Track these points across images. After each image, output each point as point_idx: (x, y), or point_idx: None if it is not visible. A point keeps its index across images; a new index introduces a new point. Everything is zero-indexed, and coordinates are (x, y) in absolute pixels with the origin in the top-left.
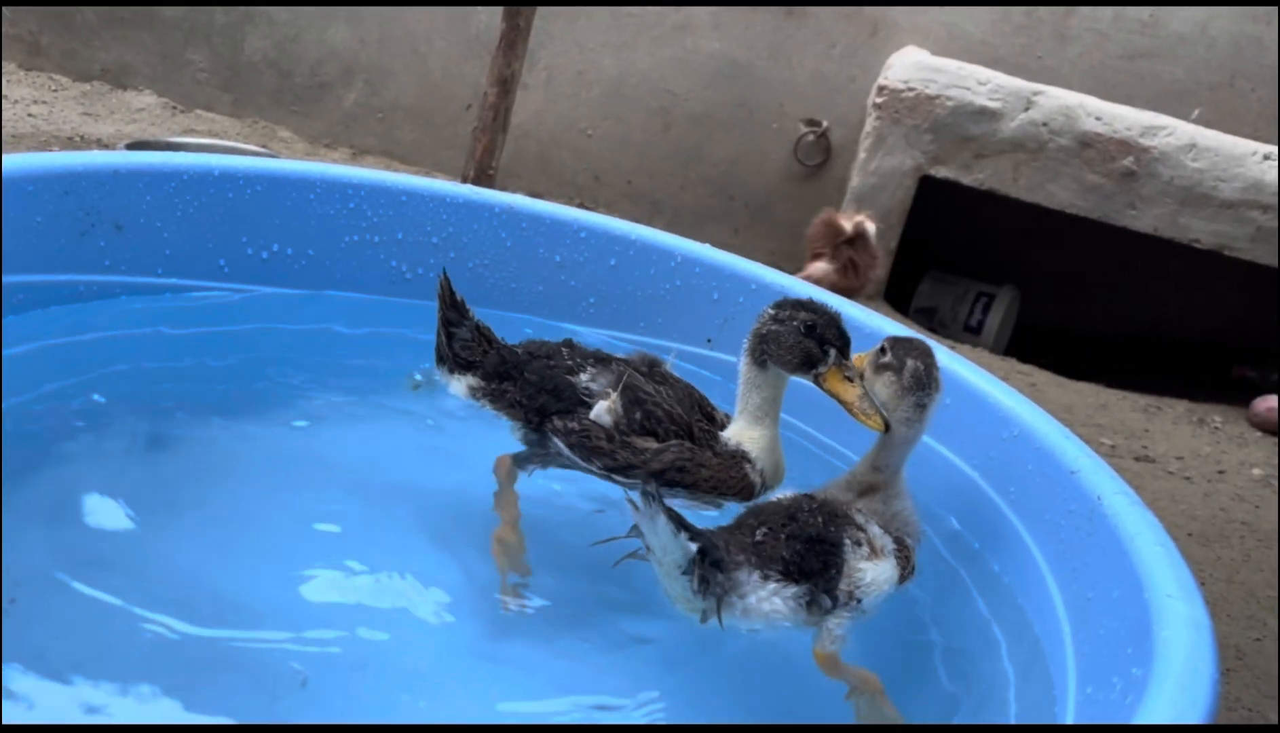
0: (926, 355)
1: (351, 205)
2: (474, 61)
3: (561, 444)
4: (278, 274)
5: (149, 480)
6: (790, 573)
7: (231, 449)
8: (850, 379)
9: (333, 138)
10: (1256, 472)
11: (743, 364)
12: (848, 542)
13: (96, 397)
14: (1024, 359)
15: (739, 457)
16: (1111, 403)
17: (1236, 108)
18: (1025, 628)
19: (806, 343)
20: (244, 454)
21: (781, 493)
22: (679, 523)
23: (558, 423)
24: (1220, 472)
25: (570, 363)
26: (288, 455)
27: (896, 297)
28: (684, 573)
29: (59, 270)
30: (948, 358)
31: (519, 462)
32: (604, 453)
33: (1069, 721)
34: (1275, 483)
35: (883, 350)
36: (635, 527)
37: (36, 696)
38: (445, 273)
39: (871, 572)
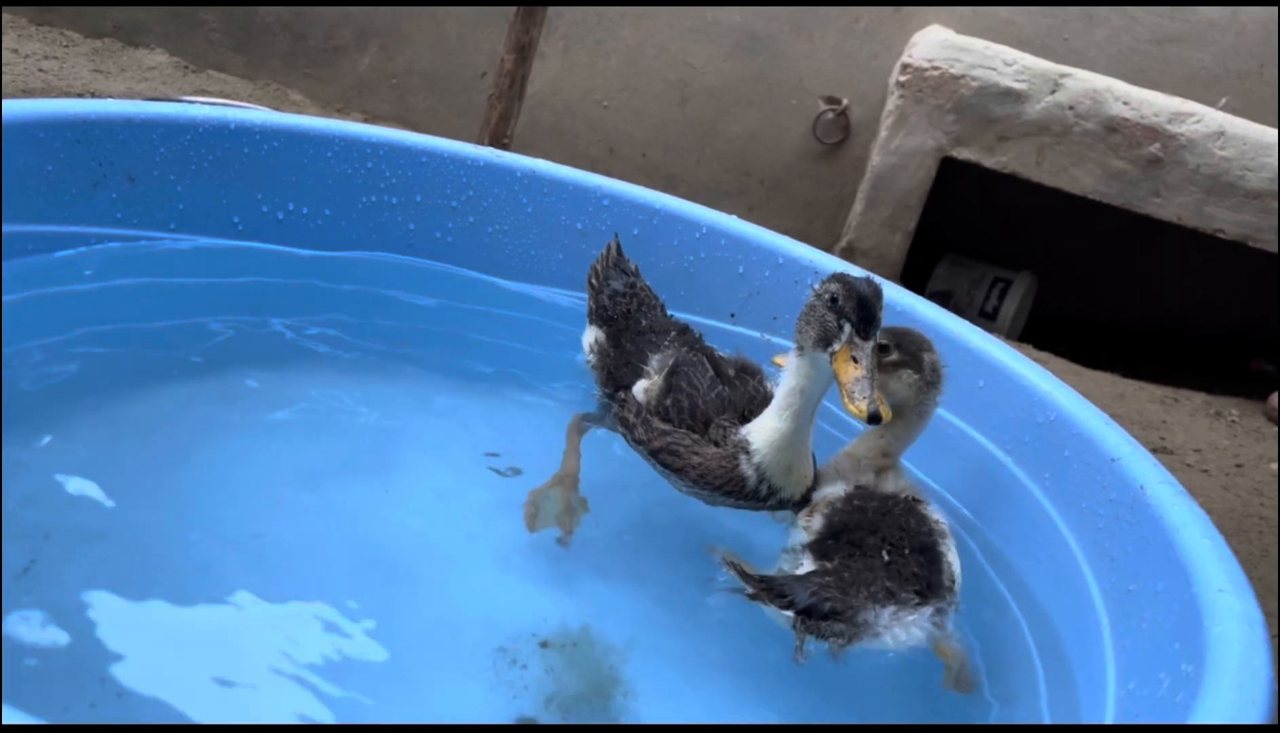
0: (933, 346)
1: (370, 165)
2: (491, 28)
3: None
4: (292, 233)
5: (143, 433)
6: (924, 592)
7: (239, 408)
8: (856, 361)
9: (345, 102)
10: (1274, 466)
11: (790, 353)
12: (938, 540)
13: (101, 349)
14: (1039, 346)
15: (738, 447)
16: (1129, 393)
17: (1265, 97)
18: (1058, 619)
19: (826, 316)
20: (253, 411)
21: (835, 489)
22: (773, 593)
23: (620, 395)
24: (1238, 465)
25: (663, 344)
26: (302, 413)
27: (913, 279)
28: (806, 633)
29: (70, 222)
30: (981, 338)
31: (588, 420)
32: (628, 425)
33: (1109, 716)
34: None
35: (885, 347)
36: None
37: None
38: (617, 237)
39: (955, 560)
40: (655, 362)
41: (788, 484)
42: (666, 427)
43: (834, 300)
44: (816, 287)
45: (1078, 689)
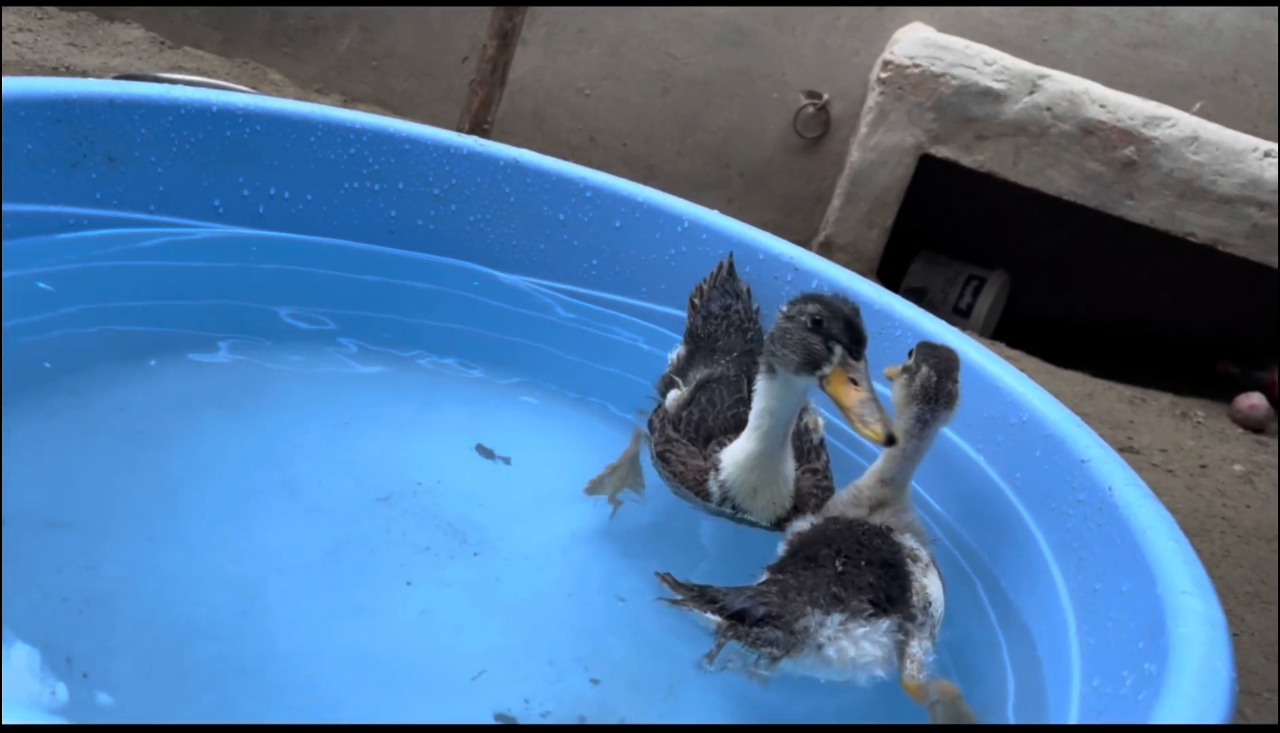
0: (945, 368)
1: (353, 151)
2: (473, 13)
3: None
4: (273, 218)
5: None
6: (879, 604)
7: (213, 393)
8: (855, 382)
9: (324, 83)
10: (1237, 468)
11: (758, 375)
12: (907, 561)
13: (76, 332)
14: (1011, 345)
15: (712, 463)
16: (1097, 393)
17: (1238, 103)
18: (1027, 617)
19: (811, 339)
20: (228, 397)
21: (811, 519)
22: (704, 600)
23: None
24: (1202, 466)
25: (718, 361)
26: (278, 400)
27: (888, 275)
28: (728, 639)
29: (49, 201)
30: (958, 339)
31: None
32: (652, 428)
33: (1073, 712)
34: (1255, 480)
35: (910, 353)
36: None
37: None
38: (731, 256)
39: (932, 586)
40: (695, 375)
41: (754, 507)
42: (675, 435)
43: (818, 322)
44: (784, 309)
45: (1045, 684)
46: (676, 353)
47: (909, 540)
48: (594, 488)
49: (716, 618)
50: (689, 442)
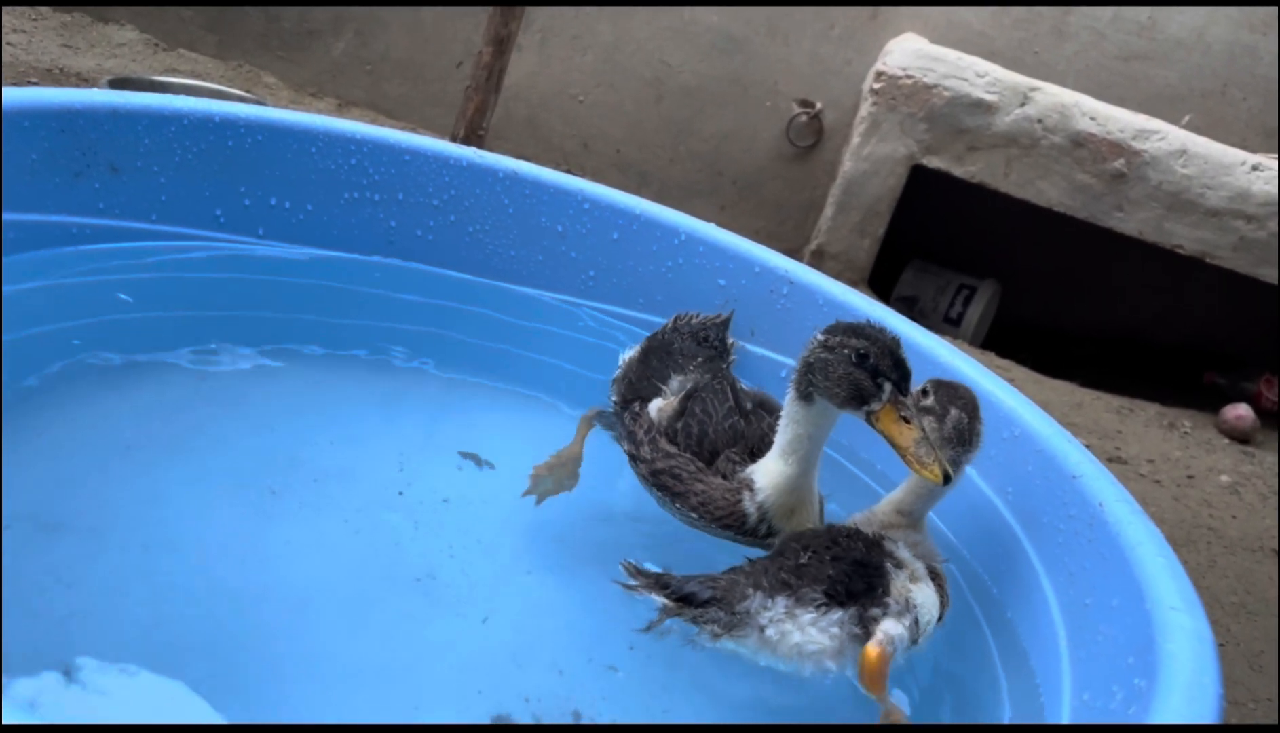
0: (972, 407)
1: (353, 162)
2: (468, 18)
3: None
4: (274, 228)
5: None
6: (835, 595)
7: (211, 404)
8: (907, 420)
9: (318, 87)
10: (1224, 478)
11: (787, 397)
12: (888, 565)
13: (74, 342)
14: (1001, 354)
15: (743, 483)
16: (1086, 403)
17: (1226, 116)
18: (1018, 629)
19: (857, 375)
20: (225, 408)
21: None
22: (658, 585)
23: (635, 407)
24: (1189, 477)
25: (687, 367)
26: (276, 411)
27: (880, 284)
28: (669, 615)
29: (52, 211)
30: (950, 352)
31: (600, 419)
32: (635, 442)
33: (1065, 724)
34: (1242, 490)
35: (925, 392)
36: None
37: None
38: (733, 313)
39: (919, 593)
40: (675, 383)
41: (789, 527)
42: (673, 449)
43: (864, 357)
44: (821, 337)
45: (1037, 696)
46: (630, 354)
47: (901, 551)
48: (533, 488)
49: (665, 600)
50: (694, 456)
